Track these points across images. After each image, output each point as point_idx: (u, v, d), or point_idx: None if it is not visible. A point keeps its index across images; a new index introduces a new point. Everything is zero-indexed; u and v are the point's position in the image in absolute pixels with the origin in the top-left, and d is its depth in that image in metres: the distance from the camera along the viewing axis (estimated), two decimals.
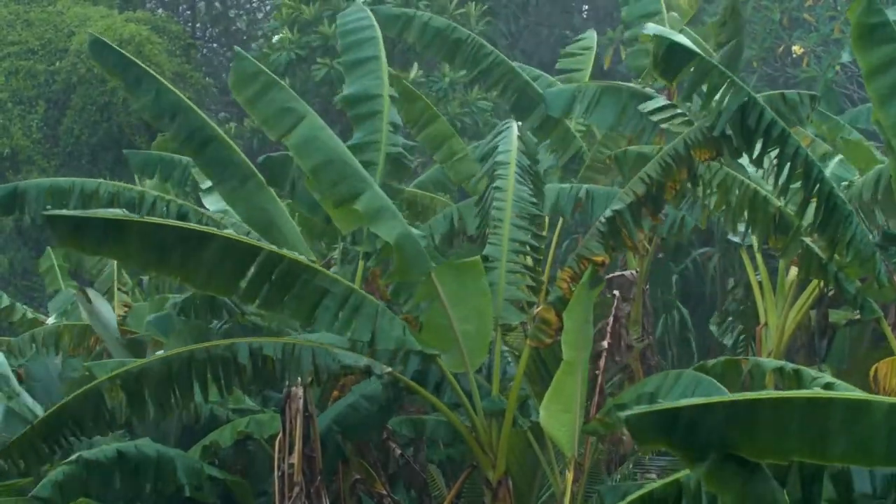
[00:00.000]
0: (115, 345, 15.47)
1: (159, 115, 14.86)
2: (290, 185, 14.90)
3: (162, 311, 15.32)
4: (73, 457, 12.63)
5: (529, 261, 13.20)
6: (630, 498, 10.81)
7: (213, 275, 12.02)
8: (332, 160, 12.67)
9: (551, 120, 17.34)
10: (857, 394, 9.72)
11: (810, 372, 12.48)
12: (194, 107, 15.14)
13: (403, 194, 14.14)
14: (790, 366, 12.73)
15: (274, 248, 12.32)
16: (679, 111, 14.41)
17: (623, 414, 9.47)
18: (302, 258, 12.56)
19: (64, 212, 11.83)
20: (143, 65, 15.25)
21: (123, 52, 15.43)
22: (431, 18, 17.42)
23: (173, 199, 15.74)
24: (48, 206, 14.97)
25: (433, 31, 17.32)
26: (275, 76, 13.13)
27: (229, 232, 12.33)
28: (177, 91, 15.13)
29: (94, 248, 11.99)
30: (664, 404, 9.46)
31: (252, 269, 11.99)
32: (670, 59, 12.92)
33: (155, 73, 15.23)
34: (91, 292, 15.63)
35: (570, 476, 12.47)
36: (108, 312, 15.49)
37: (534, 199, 13.40)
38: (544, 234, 13.79)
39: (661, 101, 14.82)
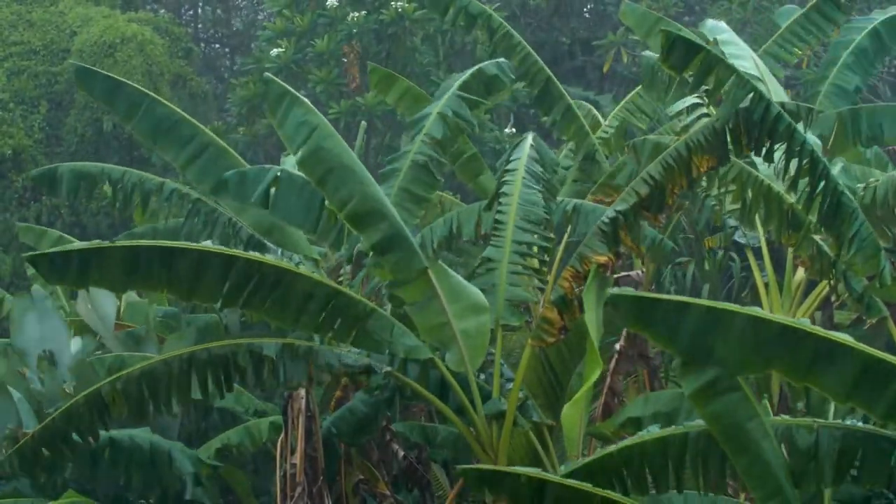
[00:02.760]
0: (111, 339, 15.52)
1: (152, 131, 15.04)
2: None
3: (165, 304, 15.38)
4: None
5: (536, 263, 13.20)
6: (602, 452, 11.01)
7: (195, 286, 12.15)
8: (333, 168, 12.80)
9: (569, 115, 17.41)
10: (845, 338, 10.13)
11: None
12: (187, 116, 15.22)
13: (427, 200, 14.35)
14: None
15: (252, 255, 12.36)
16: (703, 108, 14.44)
17: (610, 292, 10.34)
18: (283, 262, 12.58)
19: (44, 251, 11.97)
20: (131, 83, 15.38)
21: (109, 74, 15.68)
22: (470, 3, 17.69)
23: (190, 190, 15.81)
24: (79, 190, 15.71)
25: (469, 17, 17.69)
26: (298, 94, 13.32)
27: (205, 244, 12.42)
28: (167, 103, 15.19)
29: (80, 279, 12.11)
30: (647, 294, 10.24)
31: (231, 278, 12.10)
32: (677, 52, 12.91)
33: (145, 90, 15.35)
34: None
35: None
36: (109, 306, 15.54)
37: (541, 203, 13.43)
38: (552, 236, 13.83)
39: (690, 100, 14.83)
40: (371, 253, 12.74)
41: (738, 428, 10.14)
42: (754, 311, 10.10)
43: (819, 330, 10.08)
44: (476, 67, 15.44)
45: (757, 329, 9.96)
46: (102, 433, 12.85)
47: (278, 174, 14.04)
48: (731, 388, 10.08)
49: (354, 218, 12.73)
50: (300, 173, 13.81)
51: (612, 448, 11.28)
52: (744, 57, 15.88)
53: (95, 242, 12.08)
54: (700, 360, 10.00)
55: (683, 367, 10.14)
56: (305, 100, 13.29)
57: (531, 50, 17.79)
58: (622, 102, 18.80)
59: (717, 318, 9.95)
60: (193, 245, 12.30)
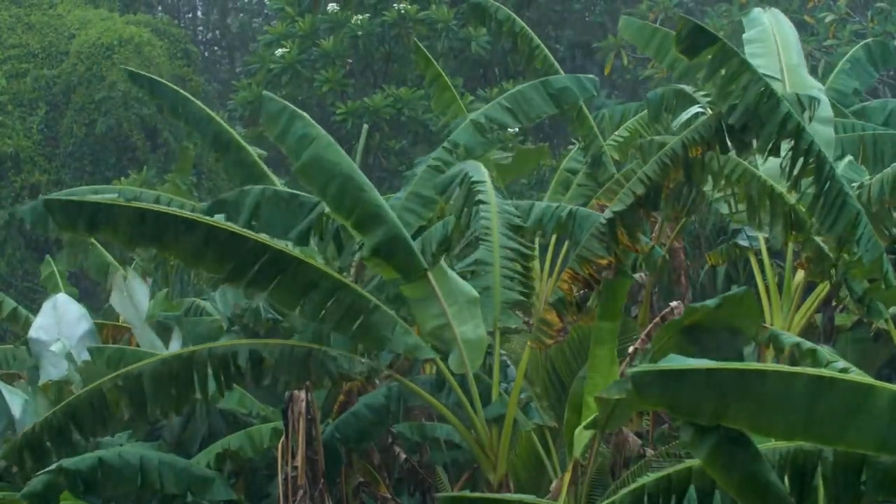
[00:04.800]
0: (143, 328, 15.73)
1: (189, 124, 15.77)
2: None
3: (175, 311, 15.56)
4: (53, 466, 12.66)
5: (526, 266, 13.24)
6: (622, 492, 10.79)
7: (201, 257, 12.30)
8: (334, 176, 12.97)
9: (580, 117, 17.47)
10: (863, 378, 9.65)
11: (825, 353, 12.31)
12: (213, 114, 15.62)
13: (434, 202, 14.66)
14: (808, 344, 12.58)
15: (262, 237, 12.43)
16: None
17: (629, 371, 9.36)
18: (290, 249, 12.65)
19: (60, 197, 12.12)
20: (171, 85, 16.13)
21: (156, 77, 16.50)
22: (499, 10, 18.37)
23: (187, 201, 16.04)
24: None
25: (497, 23, 18.31)
26: (297, 109, 13.59)
27: (215, 219, 12.49)
28: (198, 102, 15.64)
29: (89, 230, 12.32)
30: (671, 364, 9.30)
31: (238, 255, 12.24)
32: (692, 39, 12.90)
33: (179, 89, 16.05)
34: (131, 272, 16.00)
35: (567, 477, 12.42)
36: (143, 295, 15.86)
37: (517, 213, 13.58)
38: (532, 245, 13.94)
39: (694, 110, 14.85)
40: (372, 257, 12.80)
41: (748, 476, 9.81)
42: (782, 367, 9.54)
43: (847, 376, 9.56)
44: (542, 79, 16.07)
45: (789, 387, 9.28)
46: (91, 455, 12.90)
47: (262, 193, 14.11)
48: (736, 439, 9.79)
49: (357, 224, 12.87)
50: (284, 188, 13.95)
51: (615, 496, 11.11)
52: (766, 55, 15.80)
53: (111, 197, 12.26)
54: (728, 422, 9.59)
55: (693, 436, 9.76)
56: (303, 113, 13.49)
57: (548, 52, 18.08)
58: (636, 116, 18.83)
59: (748, 379, 9.31)
60: (205, 218, 12.43)
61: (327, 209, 13.30)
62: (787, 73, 15.84)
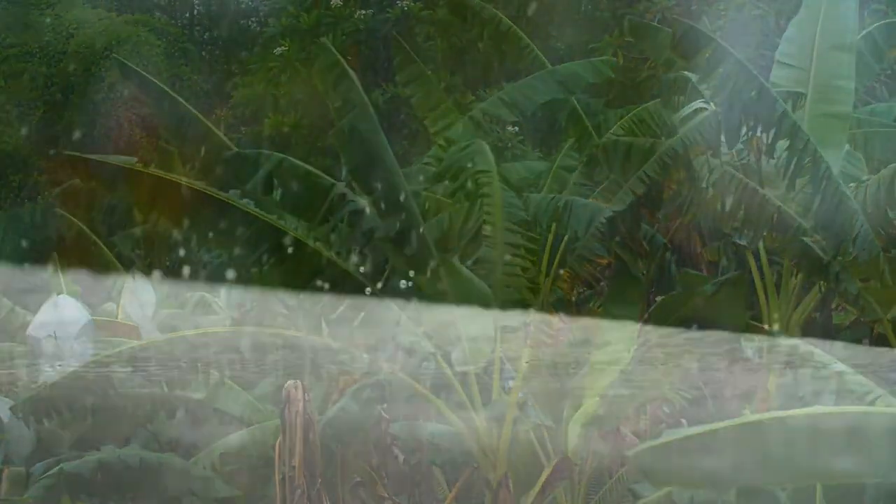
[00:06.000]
0: (149, 326, 15.78)
1: (172, 125, 15.61)
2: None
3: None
4: (54, 470, 12.69)
5: (528, 263, 13.22)
6: None
7: (213, 230, 12.56)
8: (363, 150, 13.05)
9: (574, 117, 17.44)
10: (857, 407, 9.60)
11: (821, 356, 12.27)
12: (200, 116, 15.59)
13: (418, 195, 14.55)
14: (804, 346, 12.53)
15: (272, 218, 12.46)
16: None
17: (629, 453, 9.40)
18: (300, 234, 12.68)
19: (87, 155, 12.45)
20: (159, 82, 16.21)
21: (142, 72, 16.56)
22: (484, 8, 18.11)
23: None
24: None
25: (481, 21, 18.06)
26: (347, 66, 13.62)
27: (228, 195, 12.57)
28: (185, 102, 15.62)
29: (110, 187, 12.85)
30: (666, 437, 9.18)
31: (248, 234, 12.42)
32: (688, 41, 12.91)
33: (166, 87, 16.15)
34: (138, 273, 16.17)
35: (546, 472, 12.46)
36: (150, 297, 15.97)
37: (521, 206, 13.43)
38: (537, 236, 13.91)
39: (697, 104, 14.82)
40: (387, 242, 12.78)
41: None
42: (778, 414, 9.48)
43: (840, 409, 9.60)
44: (550, 69, 15.96)
45: (788, 431, 9.11)
46: (91, 458, 13.03)
47: (280, 161, 14.07)
48: None
49: (377, 205, 12.87)
50: (301, 162, 13.97)
51: None
52: (800, 38, 15.63)
53: (132, 161, 12.34)
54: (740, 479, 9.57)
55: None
56: (352, 74, 13.50)
57: (539, 52, 17.91)
58: (630, 113, 18.79)
59: (746, 432, 9.18)
60: (219, 193, 12.57)
61: (340, 191, 13.27)
62: (817, 61, 15.51)
